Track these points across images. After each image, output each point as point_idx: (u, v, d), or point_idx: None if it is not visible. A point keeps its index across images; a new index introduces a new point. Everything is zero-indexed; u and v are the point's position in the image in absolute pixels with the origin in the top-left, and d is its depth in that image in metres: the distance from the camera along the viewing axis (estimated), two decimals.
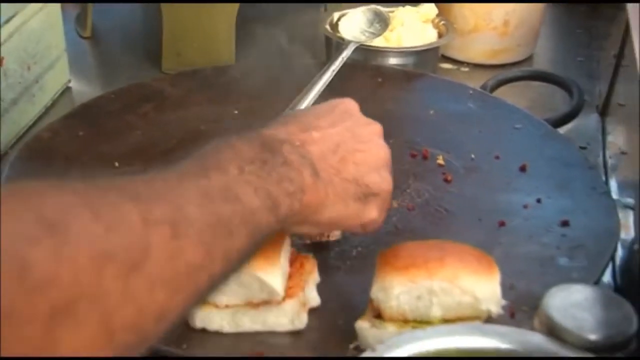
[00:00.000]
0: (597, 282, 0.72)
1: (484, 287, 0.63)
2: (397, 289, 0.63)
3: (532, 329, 0.57)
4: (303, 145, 0.61)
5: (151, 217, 0.44)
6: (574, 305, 0.56)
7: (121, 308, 0.41)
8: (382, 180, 0.66)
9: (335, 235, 0.77)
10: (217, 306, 0.66)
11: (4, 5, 0.92)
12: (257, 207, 0.53)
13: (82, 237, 0.40)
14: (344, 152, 0.64)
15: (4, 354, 0.37)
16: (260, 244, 0.55)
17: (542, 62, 1.21)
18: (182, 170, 0.51)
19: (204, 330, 0.67)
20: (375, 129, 0.69)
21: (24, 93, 0.96)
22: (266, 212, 0.54)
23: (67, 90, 1.06)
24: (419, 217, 0.84)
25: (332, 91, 1.00)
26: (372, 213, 0.66)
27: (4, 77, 0.91)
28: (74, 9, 1.22)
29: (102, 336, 0.40)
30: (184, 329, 0.67)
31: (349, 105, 0.69)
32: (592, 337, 0.54)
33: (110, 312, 0.41)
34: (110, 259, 0.41)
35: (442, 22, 1.12)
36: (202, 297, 0.51)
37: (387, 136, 0.95)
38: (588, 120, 1.05)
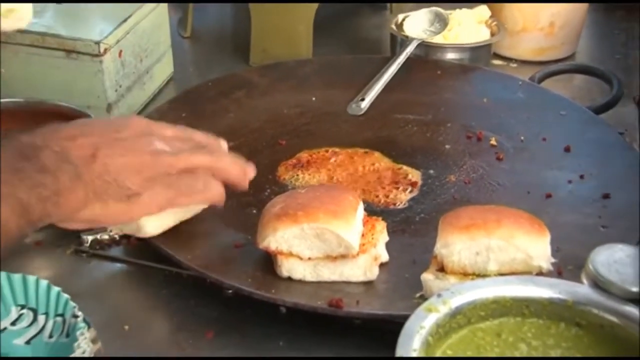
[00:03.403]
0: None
1: (536, 246, 0.62)
2: (458, 246, 0.62)
3: (578, 282, 0.57)
4: (64, 151, 0.56)
5: None
6: (618, 261, 0.55)
7: None
8: (143, 182, 0.61)
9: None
10: (300, 258, 0.67)
11: (121, 6, 0.95)
12: (6, 216, 0.50)
13: None
14: (106, 157, 0.58)
15: None
16: (14, 245, 0.52)
17: (583, 59, 1.18)
18: None
19: (289, 279, 0.67)
20: (146, 141, 0.62)
21: (136, 81, 0.98)
22: (16, 218, 0.51)
23: (171, 80, 1.08)
24: (474, 189, 0.83)
25: (397, 82, 1.00)
26: (142, 210, 0.62)
27: (122, 67, 0.94)
28: (175, 13, 1.24)
29: None
30: (273, 277, 0.67)
31: (131, 121, 0.64)
32: (634, 289, 0.53)
33: None
34: None
35: (494, 23, 1.10)
36: None
37: (446, 121, 0.95)
38: (626, 110, 1.02)
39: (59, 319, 0.59)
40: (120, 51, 0.93)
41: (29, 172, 0.53)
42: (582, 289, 0.55)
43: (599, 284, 0.55)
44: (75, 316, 0.58)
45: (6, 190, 0.51)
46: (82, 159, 0.57)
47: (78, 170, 0.56)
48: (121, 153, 0.60)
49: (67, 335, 0.58)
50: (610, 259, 0.56)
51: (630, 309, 0.53)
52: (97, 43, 0.89)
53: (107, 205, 0.59)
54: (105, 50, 0.90)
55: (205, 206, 0.72)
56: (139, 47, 0.98)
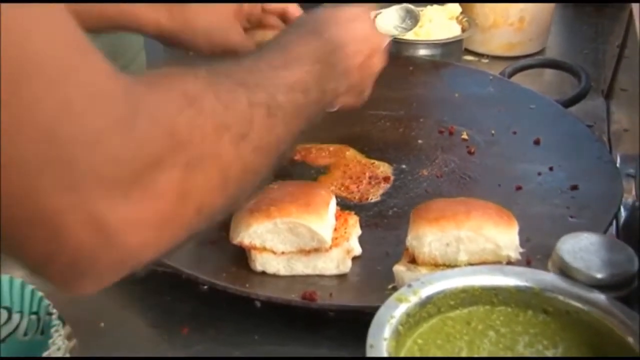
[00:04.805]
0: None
1: (505, 236, 0.64)
2: (429, 237, 0.63)
3: (546, 271, 0.58)
4: (348, 59, 0.67)
5: (254, 100, 0.50)
6: (583, 249, 0.57)
7: (233, 166, 0.47)
8: (371, 84, 0.74)
9: None
10: (274, 253, 0.67)
11: None
12: (318, 100, 0.60)
13: (209, 112, 0.46)
14: (366, 66, 0.70)
15: (156, 192, 0.41)
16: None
17: (553, 55, 1.20)
18: (272, 62, 0.57)
19: (263, 273, 0.68)
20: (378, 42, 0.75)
21: None
22: (320, 105, 0.61)
23: None
24: (446, 183, 0.85)
25: None
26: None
27: None
28: None
29: (220, 185, 0.46)
30: (247, 272, 0.68)
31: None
32: (599, 275, 0.55)
33: (226, 168, 0.47)
34: (227, 129, 0.47)
35: (465, 19, 1.12)
36: (278, 162, 0.56)
37: (418, 116, 0.97)
38: (594, 103, 1.04)
39: (33, 316, 0.59)
40: None
41: (335, 69, 0.64)
42: (549, 277, 0.56)
43: (565, 271, 0.56)
44: (50, 314, 0.58)
45: (321, 80, 0.61)
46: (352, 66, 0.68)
47: (350, 78, 0.68)
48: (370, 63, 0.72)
49: (42, 333, 0.58)
50: (576, 247, 0.57)
51: (595, 295, 0.54)
52: None
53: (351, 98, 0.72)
54: None
55: None
56: (111, 47, 0.97)
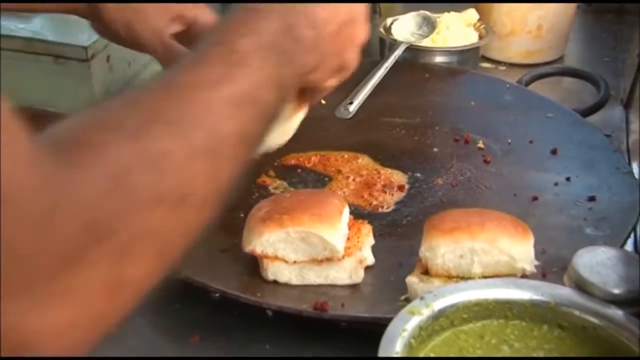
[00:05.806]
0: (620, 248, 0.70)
1: (520, 248, 0.63)
2: (442, 249, 0.63)
3: (562, 285, 0.57)
4: (313, 27, 0.55)
5: (191, 148, 0.42)
6: (600, 263, 0.56)
7: (172, 236, 0.42)
8: (354, 58, 0.62)
9: None
10: (286, 262, 0.67)
11: None
12: (273, 100, 0.49)
13: (140, 186, 0.40)
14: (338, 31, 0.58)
15: (81, 292, 0.37)
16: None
17: (571, 62, 1.18)
18: (210, 77, 0.46)
19: (275, 282, 0.68)
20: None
21: (125, 86, 0.98)
22: (279, 102, 0.51)
23: None
24: (461, 192, 0.84)
25: (385, 85, 1.00)
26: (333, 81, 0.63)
27: (110, 72, 0.94)
28: None
29: (158, 262, 0.41)
30: (259, 281, 0.68)
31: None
32: (616, 291, 0.54)
33: (164, 242, 0.41)
34: (162, 200, 0.40)
35: (483, 26, 1.11)
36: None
37: (434, 124, 0.96)
38: (613, 112, 1.03)
39: None
40: (108, 56, 0.93)
41: (289, 50, 0.52)
42: (564, 291, 0.55)
43: (581, 285, 0.55)
44: None
45: (275, 72, 0.50)
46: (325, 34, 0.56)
47: (323, 49, 0.56)
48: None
49: None
50: (592, 261, 0.56)
51: (612, 311, 0.53)
52: (85, 48, 0.89)
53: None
54: (93, 55, 0.90)
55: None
56: (128, 51, 0.97)
